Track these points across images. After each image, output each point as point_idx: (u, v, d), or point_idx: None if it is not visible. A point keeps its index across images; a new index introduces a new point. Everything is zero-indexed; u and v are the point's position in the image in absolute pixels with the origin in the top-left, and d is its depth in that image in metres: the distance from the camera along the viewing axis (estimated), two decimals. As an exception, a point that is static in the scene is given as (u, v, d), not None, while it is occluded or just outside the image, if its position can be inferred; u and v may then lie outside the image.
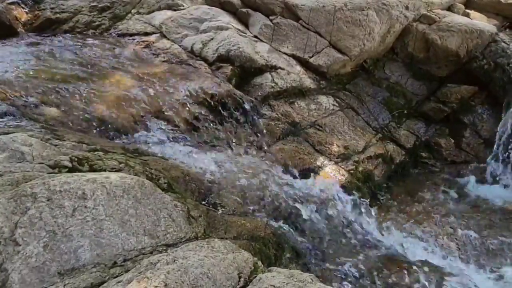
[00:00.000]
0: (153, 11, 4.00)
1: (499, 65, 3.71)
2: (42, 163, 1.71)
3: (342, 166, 3.17)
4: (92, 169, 1.80)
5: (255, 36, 3.79)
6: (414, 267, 2.24)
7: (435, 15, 4.06)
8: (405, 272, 2.20)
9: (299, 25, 3.80)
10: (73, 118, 2.38)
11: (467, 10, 4.41)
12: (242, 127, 3.06)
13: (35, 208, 1.37)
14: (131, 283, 1.23)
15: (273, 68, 3.51)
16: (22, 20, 3.53)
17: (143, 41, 3.59)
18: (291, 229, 2.24)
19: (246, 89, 3.37)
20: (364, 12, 3.76)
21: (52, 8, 3.68)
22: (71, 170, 1.73)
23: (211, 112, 2.97)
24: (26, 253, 1.28)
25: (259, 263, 1.56)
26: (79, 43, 3.32)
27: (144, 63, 3.22)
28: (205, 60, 3.48)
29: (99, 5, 3.83)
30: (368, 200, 3.04)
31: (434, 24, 3.97)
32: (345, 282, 2.06)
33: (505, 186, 3.39)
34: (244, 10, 4.01)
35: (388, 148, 3.56)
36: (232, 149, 2.84)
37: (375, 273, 2.16)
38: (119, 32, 3.70)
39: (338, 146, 3.30)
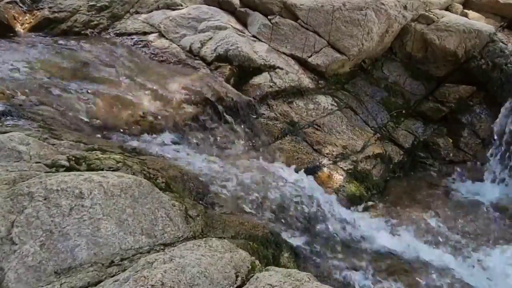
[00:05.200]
0: (151, 11, 3.99)
1: (497, 65, 3.72)
2: (39, 162, 1.71)
3: (341, 166, 3.17)
4: (90, 168, 1.80)
5: (254, 36, 3.79)
6: (412, 267, 2.25)
7: (434, 15, 4.06)
8: (402, 271, 2.20)
9: (297, 25, 3.80)
10: (70, 118, 2.37)
11: (465, 10, 4.42)
12: (240, 127, 3.06)
13: (31, 207, 1.37)
14: (128, 282, 1.23)
15: (272, 67, 3.51)
16: (20, 19, 3.52)
17: (141, 41, 3.58)
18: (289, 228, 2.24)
19: (245, 88, 3.37)
20: (363, 12, 3.76)
21: (50, 8, 3.67)
22: (69, 169, 1.73)
23: (209, 112, 2.97)
24: (22, 252, 1.28)
25: (257, 262, 1.56)
26: (77, 43, 3.31)
27: (142, 63, 3.22)
28: (203, 59, 3.48)
29: (98, 5, 3.82)
30: (366, 199, 3.05)
31: (432, 24, 3.97)
32: (342, 281, 2.06)
33: (504, 184, 3.41)
34: (242, 9, 4.01)
35: (387, 147, 3.56)
36: (230, 149, 2.84)
37: (372, 273, 2.16)
38: (117, 32, 3.69)
39: (336, 145, 3.30)
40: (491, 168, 3.52)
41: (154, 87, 2.87)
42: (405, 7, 3.98)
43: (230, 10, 4.06)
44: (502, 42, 3.82)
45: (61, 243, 1.34)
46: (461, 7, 4.42)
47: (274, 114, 3.30)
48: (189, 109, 2.84)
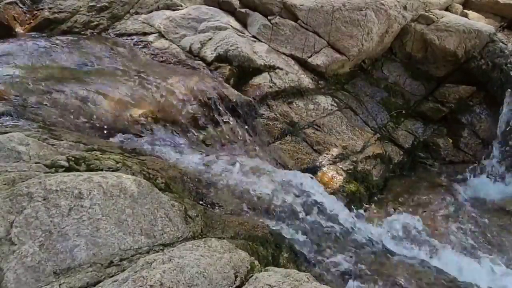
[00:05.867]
0: (151, 11, 4.00)
1: (497, 65, 3.72)
2: (39, 163, 1.71)
3: (340, 166, 3.17)
4: (89, 169, 1.80)
5: (254, 36, 3.79)
6: (411, 266, 2.25)
7: (433, 15, 4.06)
8: (402, 270, 2.20)
9: (297, 25, 3.81)
10: (70, 119, 2.37)
11: (465, 10, 4.42)
12: (240, 127, 3.06)
13: (31, 208, 1.37)
14: (127, 282, 1.23)
15: (272, 68, 3.51)
16: (20, 20, 3.52)
17: (141, 41, 3.59)
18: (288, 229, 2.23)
19: (245, 89, 3.37)
20: (363, 12, 3.76)
21: (50, 8, 3.67)
22: (68, 169, 1.73)
23: (209, 112, 2.97)
24: (21, 253, 1.28)
25: (256, 262, 1.56)
26: (77, 43, 3.32)
27: (141, 63, 3.22)
28: (203, 60, 3.48)
29: (98, 5, 3.82)
30: (366, 200, 3.05)
31: (432, 24, 3.97)
32: (341, 281, 2.05)
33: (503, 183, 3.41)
34: (242, 10, 4.01)
35: (387, 148, 3.56)
36: (230, 149, 2.84)
37: (372, 273, 2.16)
38: (117, 32, 3.70)
39: (336, 146, 3.30)
40: (491, 167, 3.52)
41: (154, 88, 2.87)
42: (405, 8, 3.98)
43: (230, 11, 4.06)
44: (502, 42, 3.82)
45: (60, 244, 1.34)
46: (461, 7, 4.42)
47: (274, 114, 3.30)
48: (189, 109, 2.85)
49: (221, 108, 3.01)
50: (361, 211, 2.92)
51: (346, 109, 3.69)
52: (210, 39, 3.62)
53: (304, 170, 2.99)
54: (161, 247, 1.54)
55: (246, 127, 3.09)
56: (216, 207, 2.17)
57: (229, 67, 3.40)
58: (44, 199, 1.41)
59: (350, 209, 2.78)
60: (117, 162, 1.92)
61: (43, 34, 3.49)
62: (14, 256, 1.26)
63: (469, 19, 4.19)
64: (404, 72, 4.02)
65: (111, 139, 2.39)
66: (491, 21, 4.20)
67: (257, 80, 3.42)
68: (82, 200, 1.46)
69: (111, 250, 1.42)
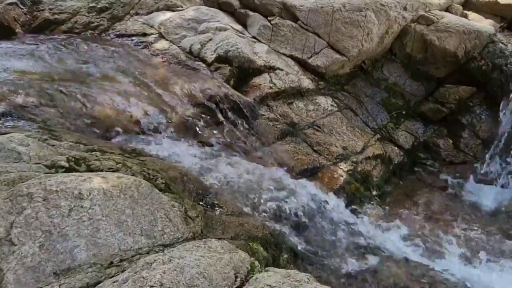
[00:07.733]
0: (151, 12, 4.00)
1: (497, 66, 3.72)
2: (39, 163, 1.71)
3: (341, 167, 3.17)
4: (89, 169, 1.80)
5: (254, 37, 3.80)
6: (412, 268, 2.25)
7: (433, 16, 4.06)
8: (402, 272, 2.20)
9: (297, 26, 3.81)
10: (70, 120, 2.37)
11: (465, 11, 4.43)
12: (240, 128, 3.06)
13: (31, 208, 1.37)
14: (127, 282, 1.23)
15: (272, 68, 3.51)
16: (21, 20, 3.52)
17: (141, 42, 3.59)
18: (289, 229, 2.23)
19: (245, 89, 3.38)
20: (363, 13, 3.76)
21: (50, 9, 3.68)
22: (68, 170, 1.73)
23: (209, 113, 2.97)
24: (21, 253, 1.28)
25: (256, 263, 1.56)
26: (77, 44, 3.32)
27: (141, 64, 3.22)
28: (203, 61, 3.48)
29: (98, 6, 3.83)
30: (366, 200, 3.04)
31: (432, 25, 3.98)
32: (341, 282, 2.05)
33: (502, 186, 3.40)
34: (242, 10, 4.01)
35: (387, 148, 3.56)
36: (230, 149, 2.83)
37: (372, 274, 2.16)
38: (117, 33, 3.70)
39: (336, 146, 3.30)
40: (490, 168, 3.52)
41: (154, 88, 2.87)
42: (405, 8, 3.98)
43: (230, 11, 4.07)
44: (502, 43, 3.82)
45: (60, 244, 1.34)
46: (460, 8, 4.43)
47: (274, 115, 3.30)
48: (189, 110, 2.85)
49: (221, 109, 3.01)
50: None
51: (346, 109, 3.69)
52: (210, 39, 3.62)
53: (304, 171, 2.99)
54: (161, 248, 1.54)
55: (245, 128, 3.09)
56: (217, 208, 2.17)
57: (229, 67, 3.40)
58: (44, 200, 1.41)
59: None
60: (117, 163, 1.92)
61: (44, 35, 3.49)
62: (14, 257, 1.26)
63: (469, 19, 4.19)
64: (404, 73, 4.02)
65: (112, 140, 2.39)
66: (491, 21, 4.21)
67: (257, 80, 3.42)
68: (82, 200, 1.46)
69: (111, 251, 1.42)
